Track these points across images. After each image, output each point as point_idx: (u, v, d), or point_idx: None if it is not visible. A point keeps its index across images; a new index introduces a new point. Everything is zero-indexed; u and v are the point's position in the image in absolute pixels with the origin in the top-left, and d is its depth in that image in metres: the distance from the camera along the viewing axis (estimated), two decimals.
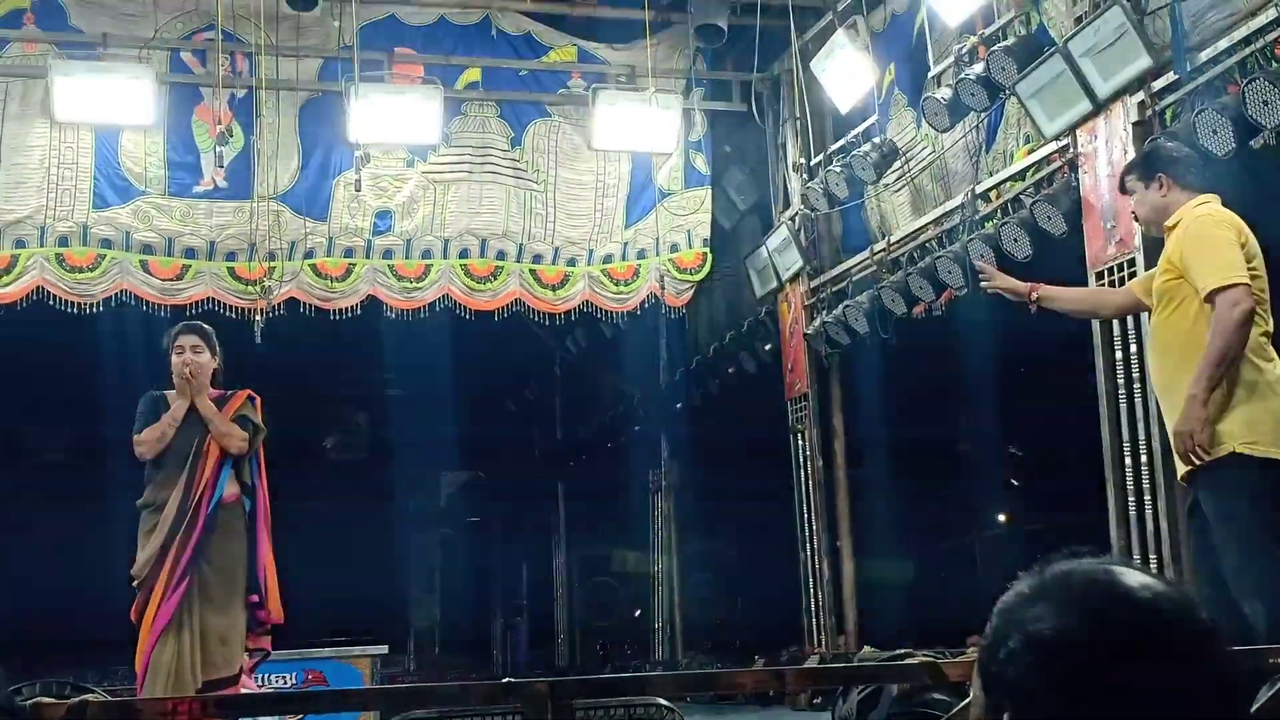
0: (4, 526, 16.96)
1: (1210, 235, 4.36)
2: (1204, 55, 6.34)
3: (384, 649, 9.92)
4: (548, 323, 11.25)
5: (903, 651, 5.11)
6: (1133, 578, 1.08)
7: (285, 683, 8.40)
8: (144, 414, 5.77)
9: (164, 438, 5.66)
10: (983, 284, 4.83)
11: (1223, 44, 6.24)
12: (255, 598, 5.71)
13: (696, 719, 3.57)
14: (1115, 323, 6.47)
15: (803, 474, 10.36)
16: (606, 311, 11.00)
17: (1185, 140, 6.29)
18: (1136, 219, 4.91)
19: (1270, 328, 4.41)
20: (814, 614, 10.20)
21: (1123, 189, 4.85)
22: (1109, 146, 6.91)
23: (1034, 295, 4.90)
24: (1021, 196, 7.78)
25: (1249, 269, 4.34)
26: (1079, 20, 7.03)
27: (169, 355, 5.81)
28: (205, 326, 5.99)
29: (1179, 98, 6.55)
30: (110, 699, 3.54)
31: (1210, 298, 4.26)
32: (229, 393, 5.87)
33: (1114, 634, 1.04)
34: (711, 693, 8.81)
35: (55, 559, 16.24)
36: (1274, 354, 4.37)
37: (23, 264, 9.53)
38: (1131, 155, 6.72)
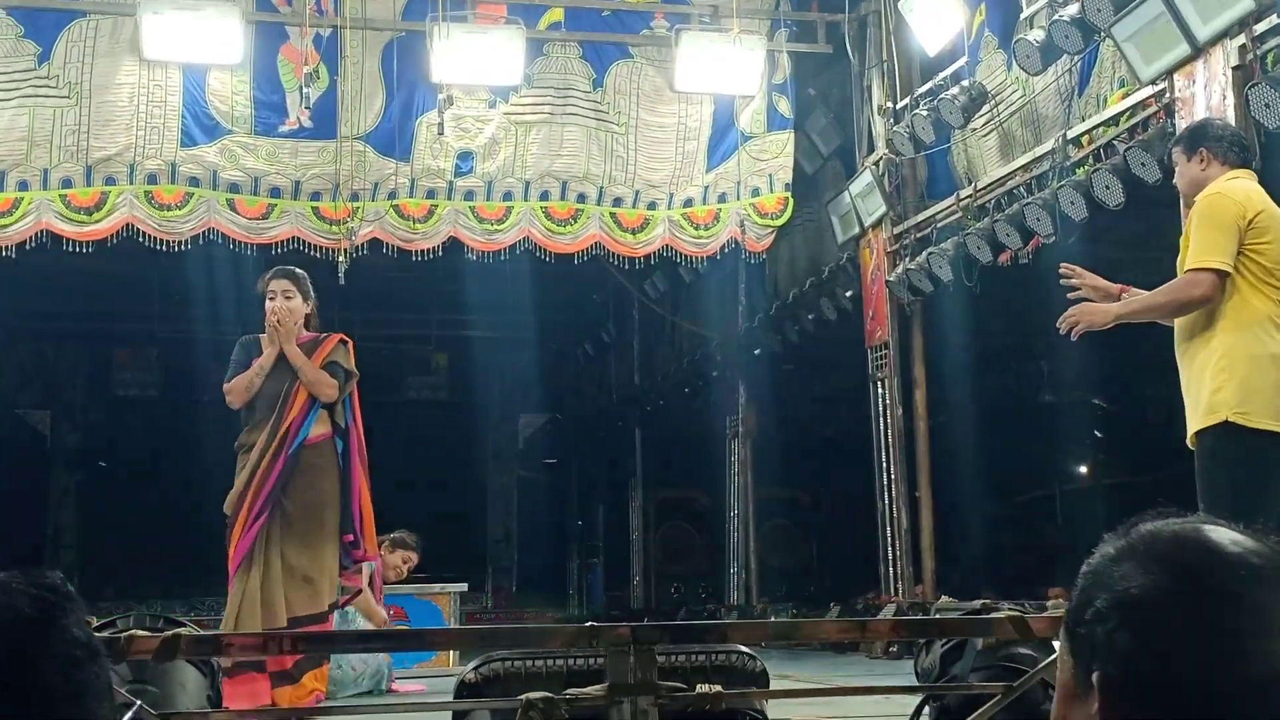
0: (101, 462, 17.46)
1: (1208, 215, 4.36)
2: None
3: (463, 586, 10.06)
4: (627, 266, 11.23)
5: (983, 603, 5.06)
6: (1222, 534, 1.06)
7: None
8: (237, 361, 5.78)
9: (251, 387, 5.68)
10: (1066, 282, 4.67)
11: None
12: (350, 536, 5.70)
13: (772, 664, 3.56)
14: None
15: (882, 423, 10.28)
16: (686, 256, 10.95)
17: None
18: (1178, 192, 4.85)
19: None
20: (891, 562, 10.15)
21: (1169, 161, 4.83)
22: (1207, 91, 6.71)
23: (1124, 297, 4.80)
24: (1115, 142, 7.59)
25: (1263, 243, 4.31)
26: None
27: (263, 299, 5.80)
28: (298, 271, 5.95)
29: None
30: (200, 632, 3.61)
31: (1185, 273, 4.36)
32: (321, 336, 5.85)
33: (1205, 591, 1.01)
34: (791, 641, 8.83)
35: (150, 494, 16.67)
36: None
37: (113, 201, 9.68)
38: (1231, 101, 6.55)
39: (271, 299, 5.73)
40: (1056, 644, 3.10)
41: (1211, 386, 4.29)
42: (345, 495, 5.71)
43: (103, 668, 1.11)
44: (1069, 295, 4.62)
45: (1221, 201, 4.38)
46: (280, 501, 5.56)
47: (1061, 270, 4.67)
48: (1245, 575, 1.02)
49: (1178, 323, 4.55)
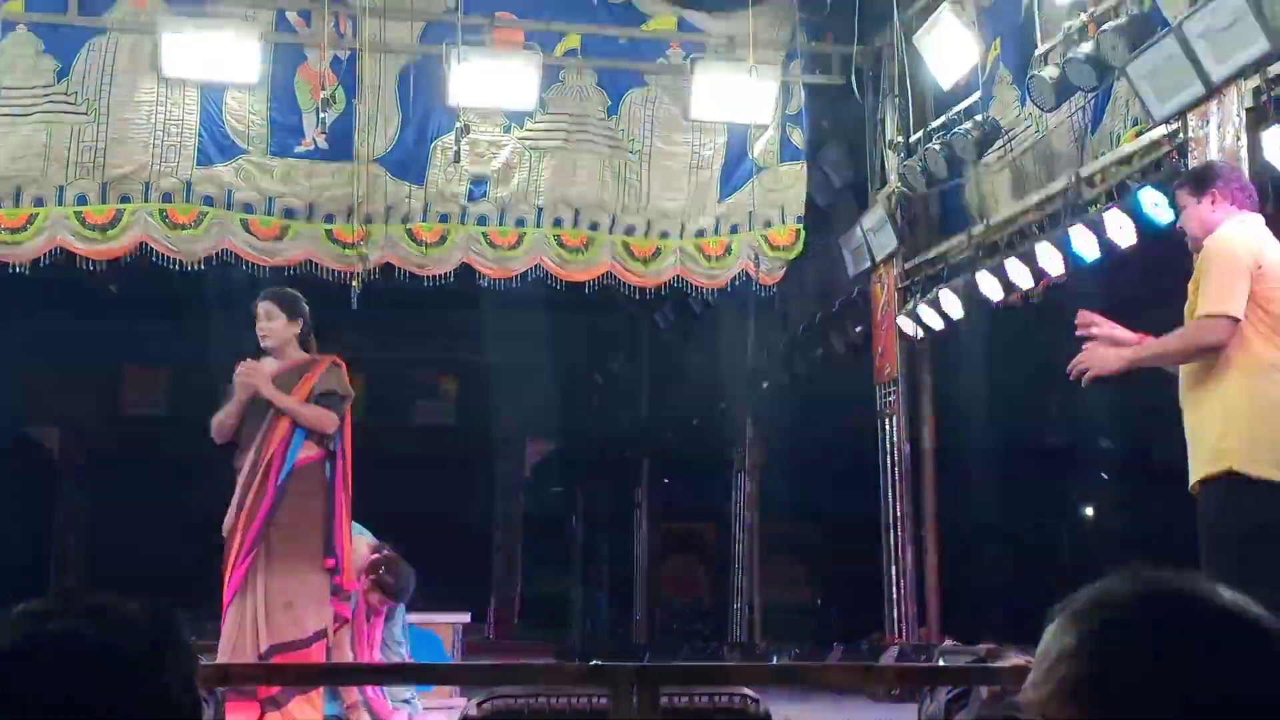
0: (106, 480, 17.42)
1: (1220, 261, 4.34)
2: None
3: (466, 617, 9.99)
4: (637, 296, 11.22)
5: (987, 648, 5.02)
6: (1221, 592, 1.05)
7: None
8: (230, 389, 5.72)
9: (222, 426, 5.63)
10: (1083, 332, 4.57)
11: None
12: (331, 562, 5.61)
13: (774, 704, 3.53)
14: None
15: (889, 460, 10.24)
16: (697, 287, 10.95)
17: None
18: (1183, 233, 4.77)
19: None
20: (896, 603, 10.08)
21: (1174, 202, 4.79)
22: (1221, 132, 6.71)
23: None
24: (1128, 181, 7.58)
25: (1272, 289, 4.30)
26: (1194, 1, 6.81)
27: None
28: (284, 291, 5.90)
29: None
30: (205, 661, 3.59)
31: (1197, 320, 4.34)
32: (314, 358, 5.78)
33: (1203, 647, 1.01)
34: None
35: (155, 514, 16.63)
36: None
37: (127, 219, 9.71)
38: (1244, 142, 6.54)
39: (257, 321, 5.72)
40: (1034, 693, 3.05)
41: (1217, 434, 4.29)
42: (329, 521, 5.63)
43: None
44: (1082, 344, 4.56)
45: (1233, 247, 4.35)
46: (268, 530, 5.51)
47: (1079, 320, 4.60)
48: (1246, 633, 1.02)
49: (1184, 369, 4.52)
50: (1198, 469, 4.34)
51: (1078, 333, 4.55)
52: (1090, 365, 4.43)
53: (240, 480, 5.56)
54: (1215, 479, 4.26)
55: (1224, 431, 4.26)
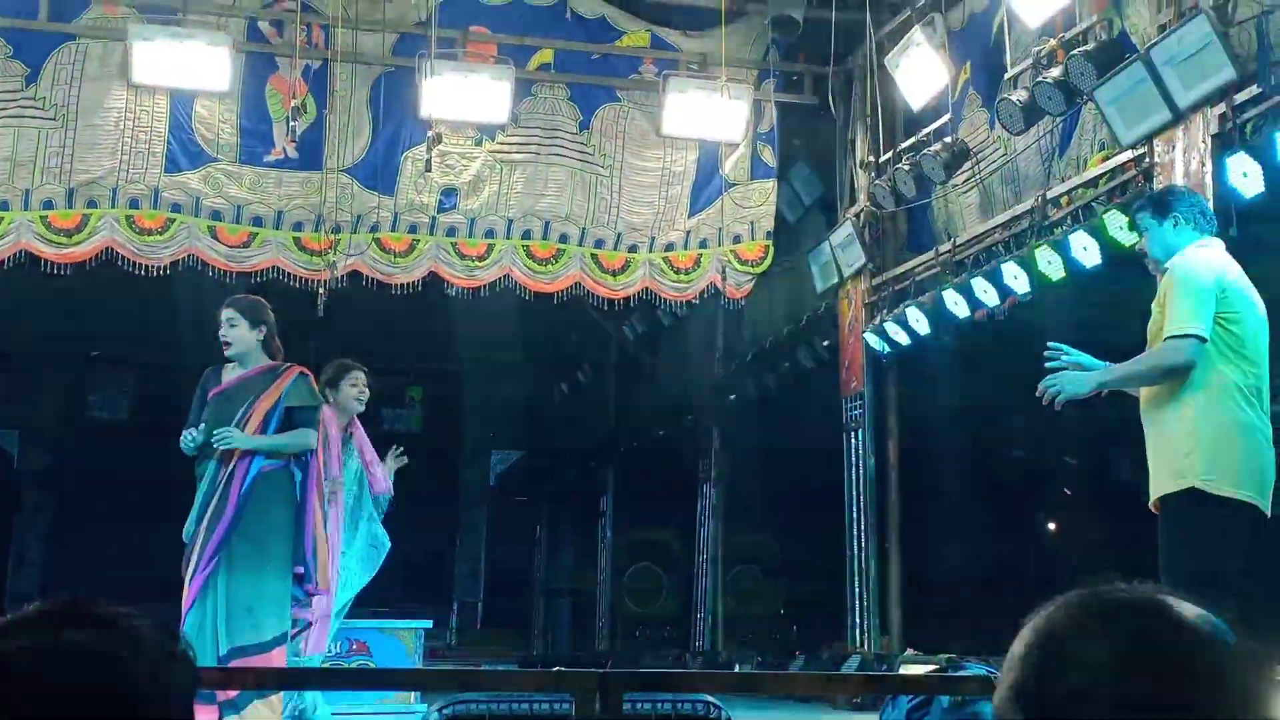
0: (70, 486, 17.29)
1: (1187, 282, 4.37)
2: None
3: (428, 623, 9.98)
4: (606, 307, 11.25)
5: (948, 658, 5.08)
6: (1183, 607, 1.07)
7: (330, 650, 8.46)
8: (195, 401, 5.72)
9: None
10: (1051, 364, 4.62)
11: None
12: (301, 569, 5.61)
13: (736, 711, 3.56)
14: None
15: (854, 473, 10.31)
16: (665, 299, 10.99)
17: (1263, 154, 6.21)
18: (1144, 254, 4.84)
19: (1257, 376, 4.38)
20: (858, 613, 10.16)
21: (1133, 226, 4.84)
22: (1187, 157, 6.81)
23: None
24: (1093, 204, 7.68)
25: (1234, 313, 4.36)
26: (1162, 28, 6.92)
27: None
28: (246, 298, 5.89)
29: (1261, 111, 6.44)
30: None
31: (1166, 340, 4.35)
32: (278, 367, 5.74)
33: (1165, 663, 1.02)
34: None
35: (116, 518, 16.50)
36: (1253, 400, 4.34)
37: (93, 224, 9.66)
38: (1209, 168, 6.64)
39: (220, 328, 5.71)
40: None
41: (1181, 451, 4.32)
42: (299, 526, 5.63)
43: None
44: (1046, 365, 4.61)
45: (1199, 269, 4.41)
46: (231, 537, 5.48)
47: (1048, 352, 4.64)
48: (1206, 649, 1.03)
49: (1145, 391, 4.57)
50: (1159, 485, 4.39)
51: (1046, 364, 4.59)
52: (1060, 388, 4.49)
53: (203, 488, 5.55)
54: (1177, 496, 4.31)
55: (1187, 450, 4.31)
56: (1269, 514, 4.28)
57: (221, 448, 5.52)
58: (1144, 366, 4.45)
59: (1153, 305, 4.55)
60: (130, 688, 1.09)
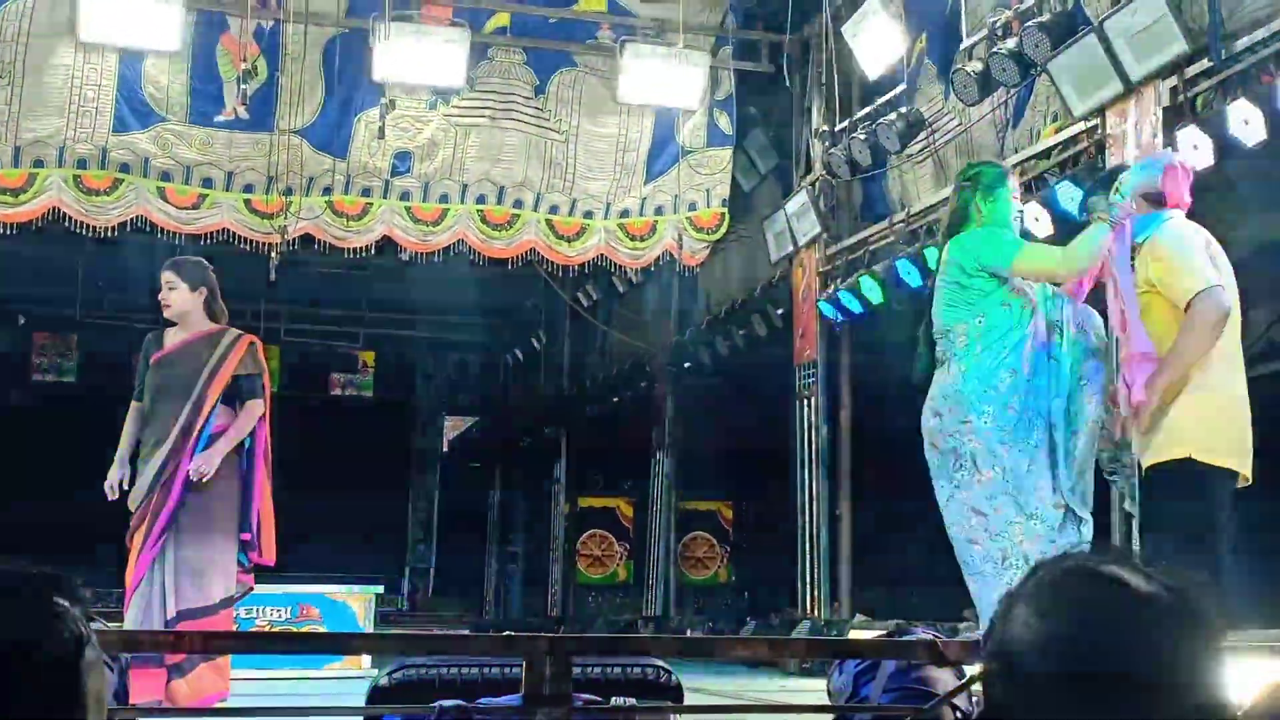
0: (9, 447, 17.07)
1: (1177, 244, 4.36)
2: (1240, 44, 6.28)
3: (379, 588, 10.00)
4: (561, 273, 11.23)
5: (897, 624, 5.12)
6: (1130, 574, 1.08)
7: (280, 616, 8.46)
8: (139, 368, 5.69)
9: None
10: (1110, 477, 4.67)
11: (1260, 34, 6.17)
12: (247, 536, 5.60)
13: (687, 677, 3.58)
14: None
15: (806, 440, 10.36)
16: (620, 266, 10.98)
17: (1213, 128, 6.25)
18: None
19: (1234, 342, 4.40)
20: (808, 579, 10.23)
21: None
22: (1138, 130, 6.85)
23: None
24: (1046, 175, 7.72)
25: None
26: (1116, 1, 6.95)
27: None
28: (186, 260, 5.82)
29: (1212, 85, 6.49)
30: (109, 627, 3.56)
31: (1190, 303, 4.23)
32: (223, 329, 5.67)
33: (1116, 630, 1.04)
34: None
35: (61, 483, 16.32)
36: (1241, 366, 4.37)
37: (40, 183, 9.52)
38: (1160, 140, 6.69)
39: (160, 291, 5.66)
40: (969, 669, 3.15)
41: (1175, 421, 4.28)
42: (245, 495, 5.60)
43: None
44: (1107, 476, 4.62)
45: (1185, 229, 4.41)
46: (181, 505, 5.45)
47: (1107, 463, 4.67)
48: (1153, 614, 1.05)
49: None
50: (1152, 453, 4.34)
51: (1107, 475, 4.65)
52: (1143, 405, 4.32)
53: (152, 456, 5.50)
54: (1169, 464, 4.27)
55: (1181, 419, 4.26)
56: (1250, 478, 4.31)
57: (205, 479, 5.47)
58: (1190, 339, 4.22)
59: (1143, 280, 4.46)
60: None
